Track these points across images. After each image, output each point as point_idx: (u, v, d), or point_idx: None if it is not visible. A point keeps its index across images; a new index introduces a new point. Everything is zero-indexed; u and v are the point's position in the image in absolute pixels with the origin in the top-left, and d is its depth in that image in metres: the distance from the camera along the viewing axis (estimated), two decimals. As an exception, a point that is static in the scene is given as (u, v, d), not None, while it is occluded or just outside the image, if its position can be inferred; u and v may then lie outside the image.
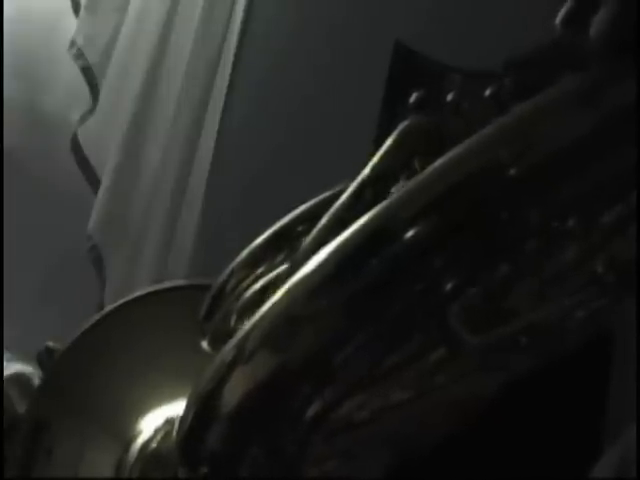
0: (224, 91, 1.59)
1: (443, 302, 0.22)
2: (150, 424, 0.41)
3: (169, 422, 0.40)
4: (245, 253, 0.34)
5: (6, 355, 1.19)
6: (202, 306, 0.34)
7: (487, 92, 0.28)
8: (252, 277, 0.33)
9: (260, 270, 0.33)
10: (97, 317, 0.43)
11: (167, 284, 0.47)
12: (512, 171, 0.22)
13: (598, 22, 0.24)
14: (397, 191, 0.24)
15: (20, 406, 0.97)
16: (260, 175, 1.36)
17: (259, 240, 0.34)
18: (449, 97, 0.28)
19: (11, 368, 1.14)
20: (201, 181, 1.57)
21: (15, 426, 0.50)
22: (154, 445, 0.40)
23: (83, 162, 1.76)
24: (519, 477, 0.75)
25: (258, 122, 1.45)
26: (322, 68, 1.32)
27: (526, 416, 0.75)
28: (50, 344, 0.62)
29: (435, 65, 0.94)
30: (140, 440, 0.40)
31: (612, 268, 0.23)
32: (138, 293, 0.45)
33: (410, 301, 0.22)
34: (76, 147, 1.76)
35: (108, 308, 0.44)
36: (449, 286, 0.22)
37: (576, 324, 0.24)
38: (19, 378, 1.09)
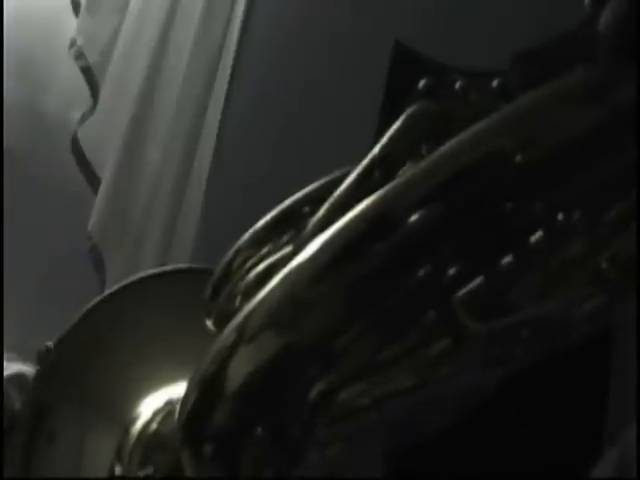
0: (224, 91, 1.59)
1: (447, 289, 0.22)
2: (150, 407, 0.41)
3: (169, 404, 0.40)
4: (250, 233, 0.34)
5: (6, 355, 1.19)
6: (207, 286, 0.34)
7: (494, 83, 0.28)
8: (257, 257, 0.33)
9: (265, 250, 0.33)
10: (95, 301, 0.43)
11: (167, 267, 0.47)
12: (517, 160, 0.22)
13: (606, 16, 0.24)
14: (402, 175, 0.24)
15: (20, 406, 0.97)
16: (260, 175, 1.36)
17: (265, 220, 0.34)
18: (457, 85, 0.28)
19: (11, 368, 1.14)
20: (201, 181, 1.57)
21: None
22: (154, 427, 0.40)
23: (83, 162, 1.76)
24: (519, 475, 0.75)
25: (258, 122, 1.45)
26: (322, 68, 1.32)
27: (527, 413, 0.75)
28: (50, 344, 0.62)
29: (435, 65, 0.94)
30: (140, 423, 0.40)
31: (615, 265, 0.23)
32: (137, 276, 0.45)
33: (413, 286, 0.22)
34: (76, 147, 1.76)
35: (107, 292, 0.44)
36: (453, 273, 0.22)
37: (578, 319, 0.24)
38: (19, 378, 1.09)
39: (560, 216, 0.22)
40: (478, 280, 0.22)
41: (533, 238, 0.22)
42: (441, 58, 0.94)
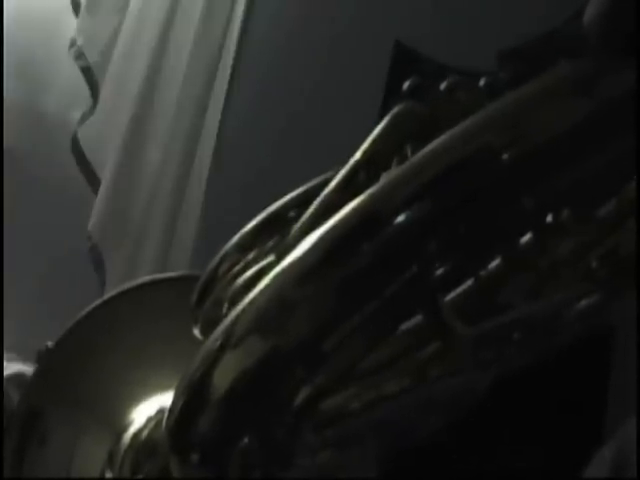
0: (224, 91, 1.59)
1: (435, 290, 0.22)
2: (143, 413, 0.41)
3: (161, 411, 0.40)
4: (236, 239, 0.33)
5: (6, 355, 1.19)
6: (193, 293, 0.33)
7: (482, 82, 0.27)
8: (243, 263, 0.32)
9: (251, 256, 0.33)
10: (90, 308, 0.43)
11: (160, 275, 0.47)
12: (504, 157, 0.22)
13: (591, 9, 0.24)
14: (387, 175, 0.24)
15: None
16: (260, 175, 1.35)
17: (250, 225, 0.33)
18: (443, 85, 0.28)
19: (11, 368, 1.15)
20: (201, 181, 1.57)
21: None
22: (146, 433, 0.40)
23: (83, 162, 1.76)
24: (518, 472, 0.75)
25: (258, 122, 1.45)
26: (322, 68, 1.32)
27: (526, 411, 0.75)
28: (50, 344, 0.62)
29: (435, 65, 0.94)
30: (133, 429, 0.40)
31: (607, 264, 0.23)
32: (131, 284, 0.45)
33: (401, 287, 0.22)
34: (76, 147, 1.76)
35: (101, 299, 0.44)
36: (441, 274, 0.22)
37: (571, 319, 0.24)
38: (19, 378, 1.09)
39: (549, 216, 0.22)
40: (467, 282, 0.22)
41: (523, 239, 0.22)
42: (441, 58, 0.94)
